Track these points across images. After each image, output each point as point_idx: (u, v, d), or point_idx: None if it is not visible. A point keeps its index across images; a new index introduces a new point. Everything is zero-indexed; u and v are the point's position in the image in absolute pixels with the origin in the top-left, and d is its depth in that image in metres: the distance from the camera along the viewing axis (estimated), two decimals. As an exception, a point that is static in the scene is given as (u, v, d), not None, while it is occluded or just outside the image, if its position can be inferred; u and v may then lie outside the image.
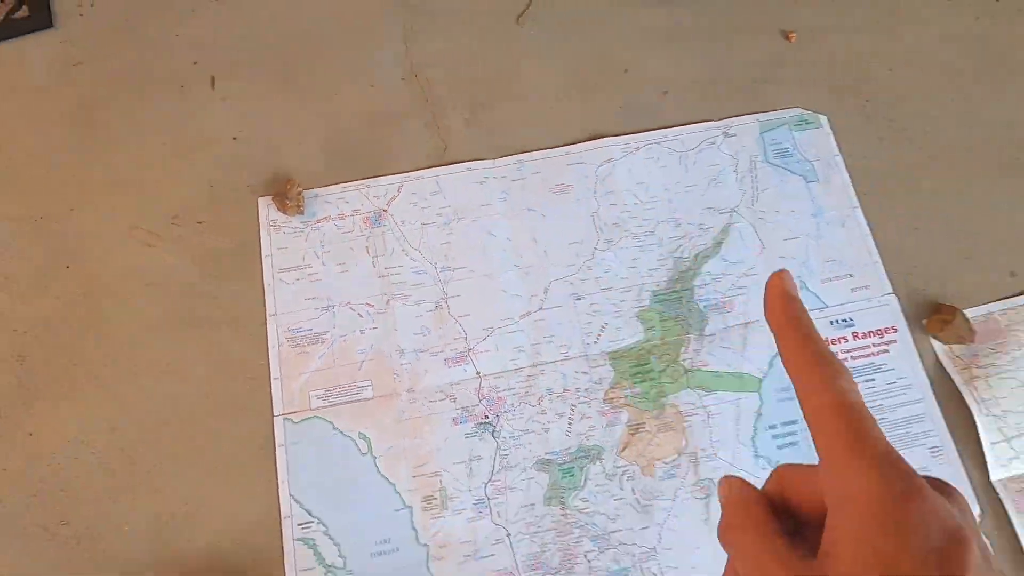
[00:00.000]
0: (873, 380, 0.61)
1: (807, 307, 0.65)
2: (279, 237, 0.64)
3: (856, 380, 0.63)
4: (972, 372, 0.61)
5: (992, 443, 0.59)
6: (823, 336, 0.66)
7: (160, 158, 0.66)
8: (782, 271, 0.28)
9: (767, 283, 0.28)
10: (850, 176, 0.67)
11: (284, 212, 0.64)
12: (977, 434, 0.59)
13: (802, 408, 0.26)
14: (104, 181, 0.65)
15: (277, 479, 0.57)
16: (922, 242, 0.66)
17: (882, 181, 0.67)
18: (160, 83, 0.69)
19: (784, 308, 0.27)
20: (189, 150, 0.66)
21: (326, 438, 0.58)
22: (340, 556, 0.55)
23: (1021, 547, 0.56)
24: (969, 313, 0.63)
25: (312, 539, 0.55)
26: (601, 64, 0.71)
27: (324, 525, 0.56)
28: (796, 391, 0.26)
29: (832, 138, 0.69)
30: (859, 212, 0.66)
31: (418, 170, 0.66)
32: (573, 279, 0.63)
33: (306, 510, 0.56)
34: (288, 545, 0.55)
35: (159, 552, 0.55)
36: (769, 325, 0.28)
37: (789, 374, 0.27)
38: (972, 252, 0.65)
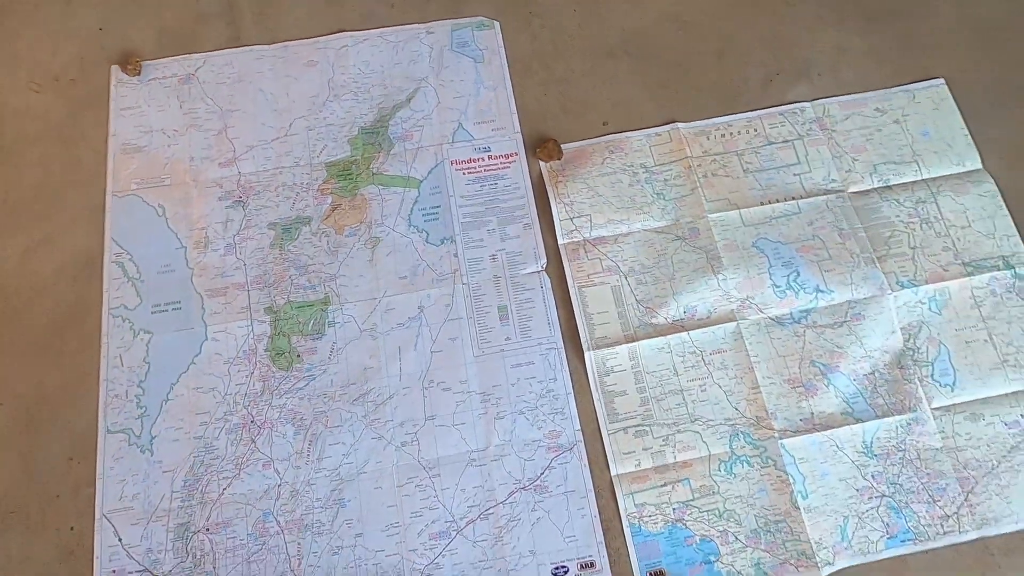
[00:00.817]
0: (497, 184, 0.92)
1: (461, 139, 1.03)
2: (122, 89, 0.96)
3: (484, 184, 0.94)
4: (558, 179, 0.92)
5: (561, 220, 0.90)
6: (468, 157, 0.96)
7: (49, 40, 0.99)
8: None
9: None
10: (507, 61, 0.99)
11: (127, 74, 0.96)
12: (552, 216, 0.90)
13: None
14: (11, 53, 0.98)
15: (103, 230, 0.89)
16: (547, 103, 0.97)
17: (527, 64, 0.99)
18: (56, -6, 1.02)
19: None
20: (69, 36, 0.99)
21: (137, 206, 0.90)
22: (138, 272, 0.87)
23: (566, 278, 0.87)
24: (569, 146, 0.94)
25: (122, 262, 0.88)
26: (353, -14, 1.03)
27: (130, 254, 0.88)
28: None
29: (500, 36, 1.00)
30: (508, 82, 0.98)
31: (218, 50, 0.98)
32: (308, 117, 0.95)
33: (120, 246, 0.88)
34: (107, 265, 0.87)
35: (30, 270, 0.87)
36: None
37: None
38: (579, 109, 0.97)
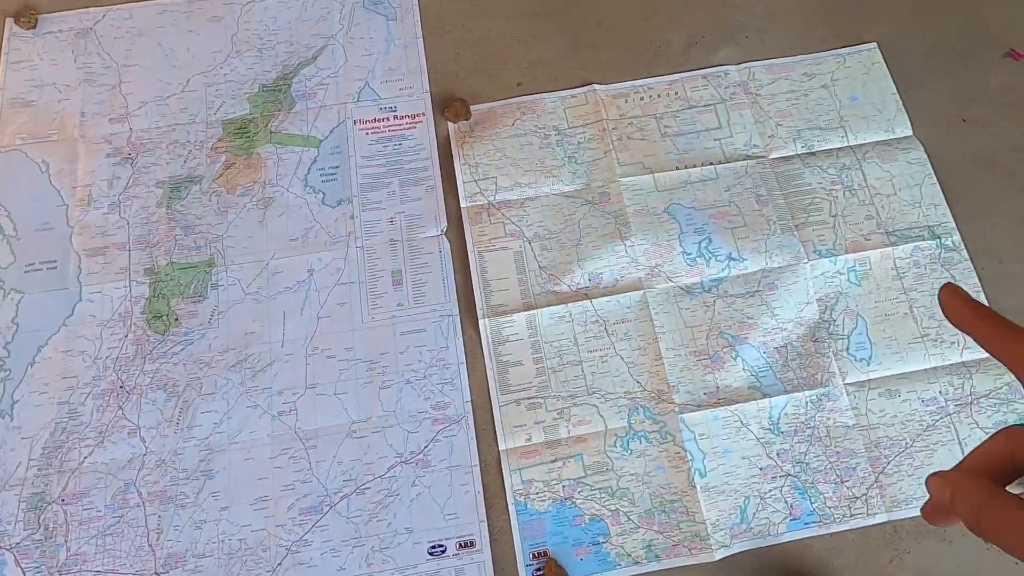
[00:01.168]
0: (401, 144, 0.85)
1: (366, 98, 0.96)
2: (15, 42, 0.89)
3: (388, 144, 0.88)
4: (465, 139, 0.85)
5: (464, 182, 0.83)
6: (373, 116, 0.85)
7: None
8: (949, 286, 0.31)
9: (943, 296, 0.31)
10: (421, 19, 0.92)
11: (21, 27, 0.89)
12: (456, 178, 0.83)
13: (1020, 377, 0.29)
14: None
15: (-16, 185, 0.82)
16: (460, 62, 0.90)
17: (442, 22, 0.92)
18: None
19: (975, 311, 0.30)
20: (-33, -13, 0.93)
21: (19, 162, 0.83)
22: (15, 230, 0.80)
23: (466, 245, 0.80)
24: (480, 107, 0.87)
25: (-1, 220, 0.81)
26: (266, -58, 0.96)
27: (7, 211, 0.81)
28: (1012, 365, 0.29)
29: (415, -6, 0.93)
30: (420, 41, 0.91)
31: (120, 4, 0.92)
32: (208, 74, 0.88)
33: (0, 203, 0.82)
34: (-17, 223, 0.81)
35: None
36: (960, 324, 0.31)
37: (1002, 357, 0.29)
38: (493, 69, 0.90)
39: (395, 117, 0.87)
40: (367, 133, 0.86)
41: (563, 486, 0.72)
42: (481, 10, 0.93)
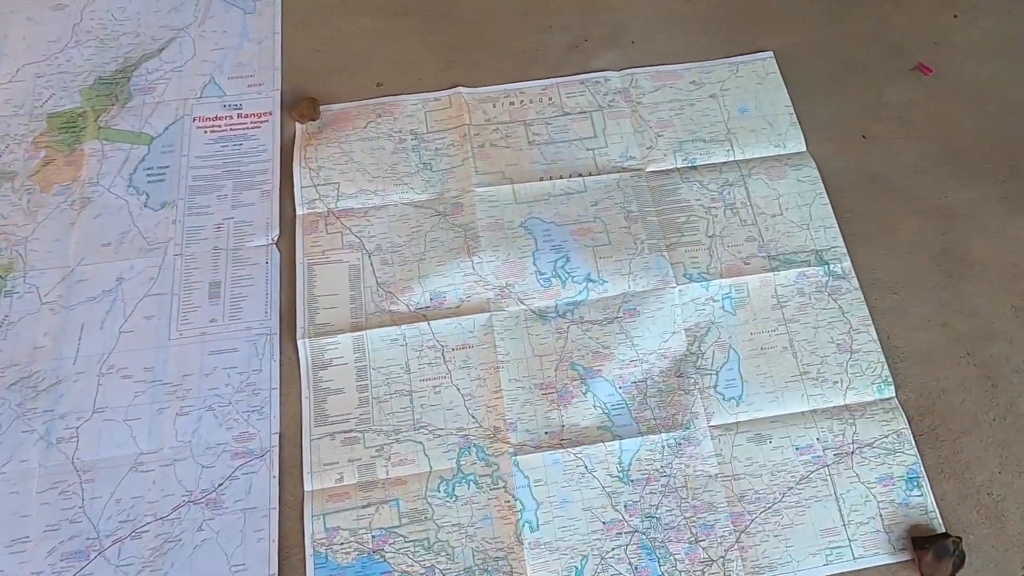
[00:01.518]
0: (241, 145, 0.76)
1: (211, 94, 0.84)
2: None
3: (227, 144, 0.78)
4: (311, 141, 0.76)
5: (303, 187, 0.73)
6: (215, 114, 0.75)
7: None
8: None
9: None
10: (282, 13, 0.83)
11: None
12: (293, 181, 0.74)
13: None
14: None
15: None
16: (319, 60, 0.81)
17: (305, 16, 0.83)
18: None
19: None
20: None
21: None
22: None
23: (303, 260, 0.70)
24: (334, 107, 0.78)
25: None
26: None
27: None
28: None
29: (279, -12, 0.85)
30: (278, 36, 0.82)
31: (-43, -11, 0.83)
32: (41, 64, 0.79)
33: None
34: None
35: None
36: None
37: None
38: (353, 68, 0.80)
39: (239, 115, 0.78)
40: (206, 132, 0.77)
41: (373, 536, 0.60)
42: (349, 5, 0.84)
